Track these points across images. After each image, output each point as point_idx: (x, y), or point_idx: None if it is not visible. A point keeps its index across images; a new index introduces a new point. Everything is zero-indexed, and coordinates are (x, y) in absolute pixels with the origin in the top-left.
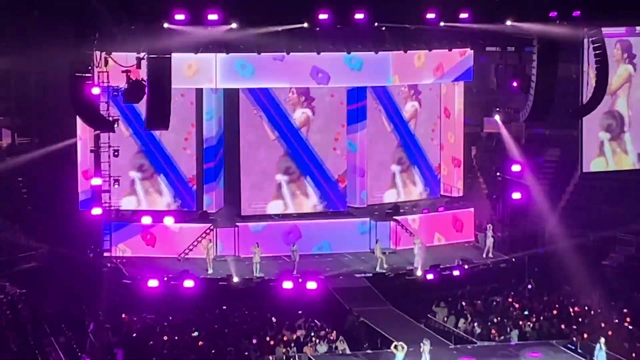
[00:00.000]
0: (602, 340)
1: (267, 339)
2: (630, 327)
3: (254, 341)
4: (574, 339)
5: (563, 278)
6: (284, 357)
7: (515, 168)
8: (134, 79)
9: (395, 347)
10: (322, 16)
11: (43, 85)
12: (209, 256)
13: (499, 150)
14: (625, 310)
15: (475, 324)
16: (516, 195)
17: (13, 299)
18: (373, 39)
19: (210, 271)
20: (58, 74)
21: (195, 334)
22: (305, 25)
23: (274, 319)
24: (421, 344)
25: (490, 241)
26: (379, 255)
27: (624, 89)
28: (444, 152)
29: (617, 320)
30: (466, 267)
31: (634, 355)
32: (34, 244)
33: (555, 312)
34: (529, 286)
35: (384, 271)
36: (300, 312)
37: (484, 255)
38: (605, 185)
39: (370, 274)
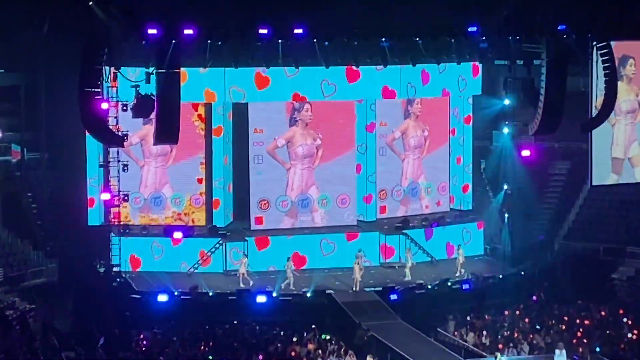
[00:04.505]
0: (561, 345)
1: (278, 352)
2: None
3: (260, 357)
4: (581, 351)
5: (573, 291)
6: None
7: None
8: (142, 94)
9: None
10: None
11: (52, 100)
12: (242, 270)
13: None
14: (629, 322)
15: (485, 338)
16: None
17: (23, 314)
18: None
19: (242, 285)
20: (67, 89)
21: None
22: None
23: (282, 333)
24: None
25: (459, 260)
26: (357, 277)
27: None
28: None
29: (627, 334)
30: (475, 280)
31: None
32: (43, 259)
33: (564, 325)
34: (534, 297)
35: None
36: (313, 326)
37: (456, 274)
38: (614, 199)
39: (380, 288)
